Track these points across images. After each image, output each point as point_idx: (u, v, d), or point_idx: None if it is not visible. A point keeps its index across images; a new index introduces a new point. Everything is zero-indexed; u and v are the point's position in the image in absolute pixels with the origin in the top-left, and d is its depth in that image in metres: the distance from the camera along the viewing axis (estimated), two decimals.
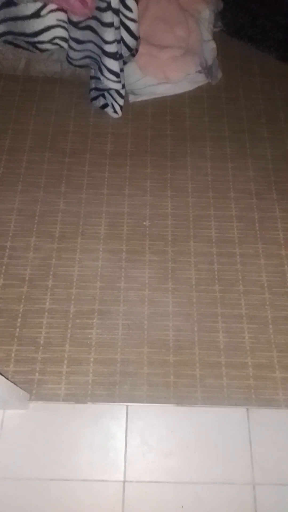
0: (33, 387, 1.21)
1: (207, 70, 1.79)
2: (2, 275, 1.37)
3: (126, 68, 1.61)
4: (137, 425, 1.19)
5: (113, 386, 1.22)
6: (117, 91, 1.56)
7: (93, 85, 1.63)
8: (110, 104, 1.63)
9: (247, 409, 1.21)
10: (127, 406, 1.20)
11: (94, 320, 1.31)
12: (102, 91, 1.60)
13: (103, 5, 1.25)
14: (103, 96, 1.62)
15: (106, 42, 1.35)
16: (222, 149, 1.69)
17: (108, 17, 1.28)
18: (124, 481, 1.12)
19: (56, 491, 1.10)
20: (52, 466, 1.13)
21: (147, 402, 1.21)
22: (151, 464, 1.14)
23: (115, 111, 1.65)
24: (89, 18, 1.32)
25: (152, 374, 1.24)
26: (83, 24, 1.35)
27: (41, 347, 1.26)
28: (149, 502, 1.10)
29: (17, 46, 1.48)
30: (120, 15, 1.35)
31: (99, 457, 1.14)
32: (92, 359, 1.26)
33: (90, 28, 1.36)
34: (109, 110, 1.66)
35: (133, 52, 1.48)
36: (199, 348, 1.29)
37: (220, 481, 1.12)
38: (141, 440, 1.17)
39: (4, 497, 1.09)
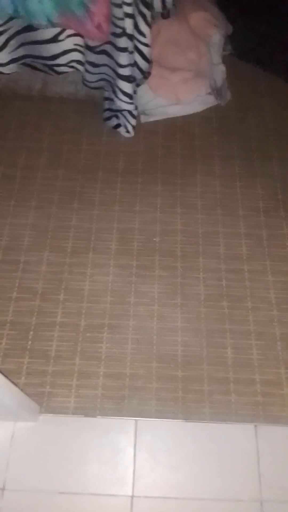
0: (43, 399, 1.23)
1: (217, 92, 1.85)
2: (15, 289, 1.40)
3: (138, 89, 1.66)
4: (146, 439, 1.19)
5: (121, 400, 1.24)
6: (130, 112, 1.61)
7: (106, 106, 1.68)
8: (122, 124, 1.69)
9: (255, 426, 1.21)
10: (135, 420, 1.21)
11: (104, 334, 1.34)
12: (116, 112, 1.66)
13: (118, 31, 1.31)
14: (116, 116, 1.68)
15: (121, 66, 1.40)
16: (231, 168, 1.73)
17: (123, 42, 1.34)
18: (132, 496, 1.12)
19: (64, 504, 1.11)
20: (60, 479, 1.14)
21: (155, 417, 1.22)
22: (158, 479, 1.15)
23: (128, 131, 1.71)
24: (104, 43, 1.38)
25: (161, 389, 1.26)
26: (99, 49, 1.41)
27: (52, 360, 1.29)
28: None
29: (34, 68, 1.54)
30: (134, 40, 1.41)
31: (108, 471, 1.15)
32: (101, 373, 1.27)
33: (105, 52, 1.42)
34: (121, 130, 1.71)
35: (145, 75, 1.54)
36: (208, 363, 1.30)
37: (227, 497, 1.12)
38: (149, 455, 1.18)
39: (13, 509, 1.10)
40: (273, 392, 1.26)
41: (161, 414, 1.22)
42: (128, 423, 1.21)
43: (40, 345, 1.31)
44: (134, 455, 1.17)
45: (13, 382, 0.99)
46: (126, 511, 1.10)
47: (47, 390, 1.24)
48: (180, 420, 1.22)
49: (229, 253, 1.52)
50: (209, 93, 1.81)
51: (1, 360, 1.28)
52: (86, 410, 1.22)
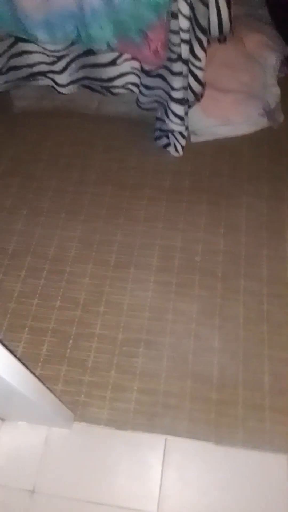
0: (78, 408, 1.26)
1: (269, 114, 1.84)
2: (59, 298, 1.46)
3: (190, 110, 1.70)
4: (175, 459, 1.19)
5: (154, 416, 1.24)
6: (180, 133, 1.65)
7: (158, 126, 1.73)
8: (172, 144, 1.73)
9: None
10: (166, 438, 1.22)
11: (140, 349, 1.36)
12: (166, 132, 1.70)
13: (174, 56, 1.36)
14: (167, 136, 1.72)
15: (174, 89, 1.45)
16: (279, 191, 1.71)
17: (178, 67, 1.38)
18: None
19: None
20: (88, 488, 1.16)
21: (186, 437, 1.21)
22: (186, 500, 1.14)
23: (177, 150, 1.74)
24: (160, 67, 1.43)
25: (194, 409, 1.25)
26: (154, 73, 1.46)
27: (88, 370, 1.32)
28: None
29: (92, 89, 1.62)
30: (189, 64, 1.44)
31: (135, 485, 1.16)
32: (135, 388, 1.29)
33: (160, 76, 1.48)
34: (171, 149, 1.75)
35: (198, 97, 1.57)
36: (243, 388, 1.28)
37: None
38: (178, 475, 1.17)
39: None
40: None
41: (192, 434, 1.22)
42: (159, 440, 1.22)
43: (78, 354, 1.35)
44: (162, 473, 1.17)
45: (49, 389, 1.03)
46: None
47: (82, 399, 1.28)
48: (211, 443, 1.20)
49: (273, 276, 1.49)
50: (261, 115, 1.81)
51: (41, 365, 1.33)
52: (118, 423, 1.24)
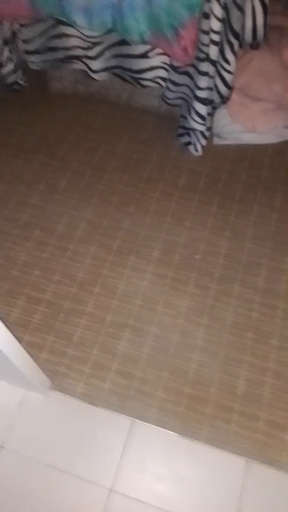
0: (57, 378, 1.33)
1: None
2: (58, 273, 1.53)
3: (217, 112, 1.72)
4: (138, 442, 1.24)
5: (126, 398, 1.29)
6: (202, 132, 1.67)
7: (181, 123, 1.76)
8: (193, 143, 1.75)
9: (246, 461, 1.20)
10: (132, 421, 1.26)
11: (125, 334, 1.40)
12: (188, 130, 1.73)
13: (202, 56, 1.39)
14: (188, 134, 1.75)
15: (199, 88, 1.47)
16: None
17: (205, 66, 1.41)
18: (111, 490, 1.17)
19: (49, 477, 1.19)
20: (52, 453, 1.23)
21: (153, 424, 1.26)
22: (140, 483, 1.18)
23: (196, 150, 1.77)
24: (188, 65, 1.47)
25: (165, 399, 1.29)
26: (182, 70, 1.50)
27: (72, 344, 1.38)
28: None
29: (122, 79, 1.67)
30: (218, 65, 1.47)
31: (95, 460, 1.21)
32: (113, 368, 1.34)
33: (187, 74, 1.51)
34: (191, 148, 1.78)
35: (224, 99, 1.59)
36: (217, 388, 1.31)
37: None
38: (138, 458, 1.22)
39: (5, 468, 1.21)
40: (275, 434, 1.23)
41: (159, 423, 1.26)
42: (125, 421, 1.26)
43: (66, 328, 1.42)
44: (122, 453, 1.22)
45: (29, 353, 1.10)
46: (102, 501, 1.16)
47: (61, 370, 1.34)
48: (175, 434, 1.24)
49: (269, 287, 1.50)
50: (287, 127, 1.81)
51: (30, 332, 1.41)
52: (91, 398, 1.30)
